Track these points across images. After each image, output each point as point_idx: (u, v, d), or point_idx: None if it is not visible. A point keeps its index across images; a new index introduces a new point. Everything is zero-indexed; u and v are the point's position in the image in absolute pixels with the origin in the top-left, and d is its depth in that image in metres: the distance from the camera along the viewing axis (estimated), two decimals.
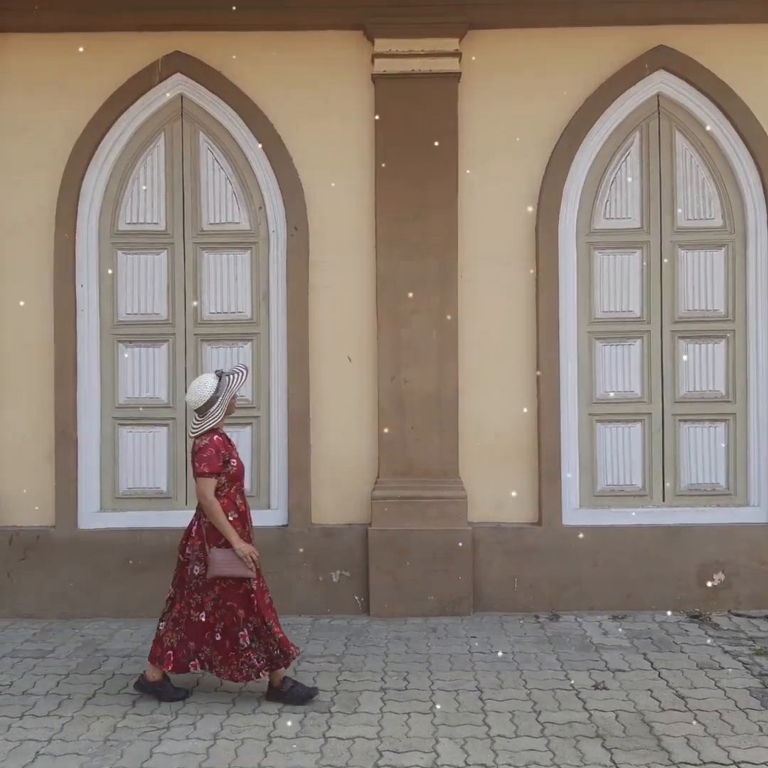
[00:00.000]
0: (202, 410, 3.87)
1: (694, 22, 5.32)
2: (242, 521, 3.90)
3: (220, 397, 3.86)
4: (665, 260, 5.49)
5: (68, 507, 5.33)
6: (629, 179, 5.47)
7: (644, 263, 5.50)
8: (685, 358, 5.45)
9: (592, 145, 5.43)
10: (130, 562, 5.28)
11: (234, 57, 5.37)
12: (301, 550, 5.28)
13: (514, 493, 5.39)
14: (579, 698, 3.94)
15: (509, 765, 3.28)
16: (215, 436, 3.89)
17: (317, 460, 5.39)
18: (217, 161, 5.52)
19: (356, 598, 5.29)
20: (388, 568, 5.21)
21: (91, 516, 5.41)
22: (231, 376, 3.91)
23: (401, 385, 5.32)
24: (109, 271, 5.50)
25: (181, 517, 5.34)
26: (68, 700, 3.99)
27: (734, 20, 5.29)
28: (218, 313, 5.53)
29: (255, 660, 3.81)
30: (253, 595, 3.84)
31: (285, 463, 5.41)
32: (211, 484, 3.81)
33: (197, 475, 3.83)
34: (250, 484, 5.48)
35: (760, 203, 5.42)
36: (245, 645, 3.81)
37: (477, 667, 4.36)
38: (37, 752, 3.44)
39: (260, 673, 3.83)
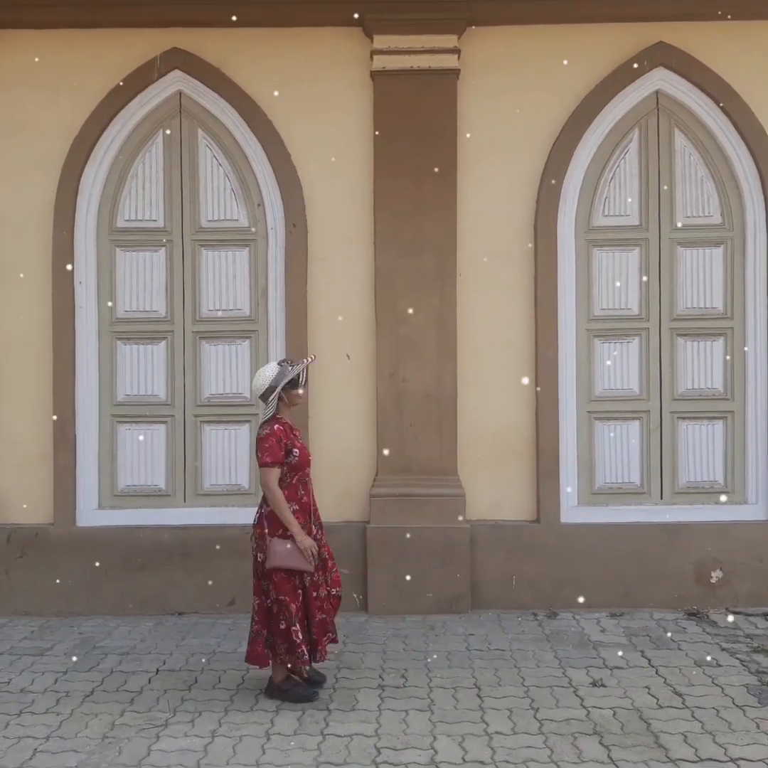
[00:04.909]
0: (264, 398, 3.87)
1: (693, 19, 5.31)
2: (304, 513, 3.88)
3: (279, 386, 3.84)
4: (664, 258, 5.49)
5: (66, 504, 5.33)
6: (628, 176, 5.47)
7: (643, 261, 5.50)
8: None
9: (591, 142, 5.42)
10: (128, 559, 5.28)
11: (232, 54, 5.36)
12: None
13: (512, 491, 5.39)
14: (577, 695, 3.95)
15: (507, 762, 3.29)
16: (277, 426, 3.86)
17: (315, 458, 5.35)
18: (216, 158, 5.51)
19: (354, 595, 5.29)
20: (386, 565, 5.21)
21: (90, 513, 5.40)
22: (293, 365, 3.92)
23: (400, 383, 5.32)
24: (108, 269, 5.50)
25: (180, 515, 5.39)
26: (66, 697, 3.99)
27: (734, 17, 5.28)
28: (217, 310, 5.52)
29: (307, 654, 3.82)
30: (299, 590, 3.83)
31: None
32: (274, 473, 3.78)
33: (260, 465, 3.81)
34: (249, 482, 5.49)
35: (759, 201, 5.42)
36: (298, 640, 3.80)
37: (475, 664, 4.36)
38: (36, 749, 3.44)
39: (305, 669, 3.87)
